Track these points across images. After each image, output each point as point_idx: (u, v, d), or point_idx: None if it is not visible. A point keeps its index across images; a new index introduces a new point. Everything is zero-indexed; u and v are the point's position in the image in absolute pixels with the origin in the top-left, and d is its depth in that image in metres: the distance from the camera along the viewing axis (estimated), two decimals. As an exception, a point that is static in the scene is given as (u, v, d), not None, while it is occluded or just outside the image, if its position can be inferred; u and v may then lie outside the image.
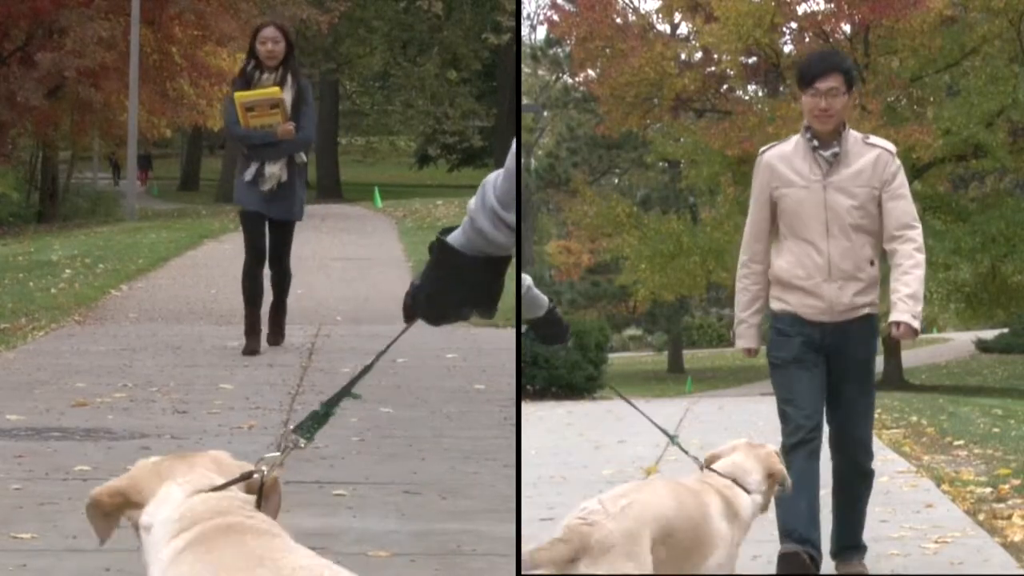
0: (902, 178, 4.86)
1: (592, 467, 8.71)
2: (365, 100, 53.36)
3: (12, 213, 34.91)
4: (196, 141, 51.81)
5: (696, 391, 24.76)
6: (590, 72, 29.36)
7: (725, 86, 29.32)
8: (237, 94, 9.05)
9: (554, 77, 42.17)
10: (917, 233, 4.82)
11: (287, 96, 9.07)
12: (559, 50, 38.32)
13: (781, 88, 28.37)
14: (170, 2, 31.71)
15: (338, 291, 14.32)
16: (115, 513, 2.42)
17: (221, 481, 2.39)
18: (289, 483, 5.56)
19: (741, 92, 29.36)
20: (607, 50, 27.73)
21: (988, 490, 7.24)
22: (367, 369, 2.75)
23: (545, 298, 3.88)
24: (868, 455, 5.03)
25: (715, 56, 28.49)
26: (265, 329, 9.79)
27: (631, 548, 3.35)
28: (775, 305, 4.99)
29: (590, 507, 3.45)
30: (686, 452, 4.14)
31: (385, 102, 50.00)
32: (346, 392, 2.71)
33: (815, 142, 4.93)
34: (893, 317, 4.69)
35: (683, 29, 30.70)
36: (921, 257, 4.79)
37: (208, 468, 2.44)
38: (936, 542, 5.86)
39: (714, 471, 3.88)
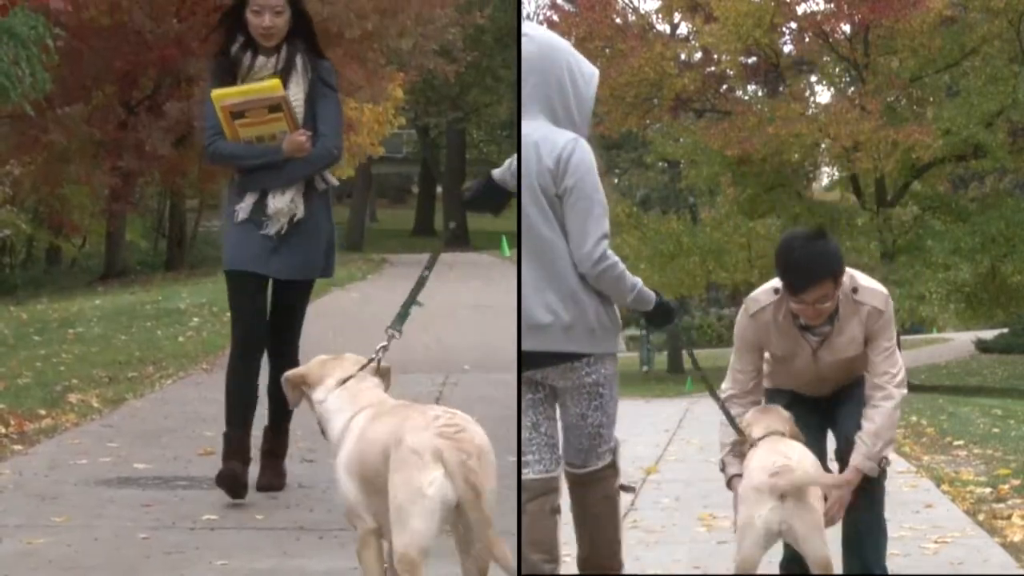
0: (890, 332, 4.61)
1: (592, 467, 8.68)
2: (492, 149, 52.36)
3: (140, 261, 35.38)
4: (325, 187, 50.98)
5: (696, 391, 24.74)
6: (590, 72, 29.33)
7: (725, 86, 29.33)
8: (216, 93, 5.76)
9: (554, 77, 42.13)
10: (899, 379, 4.59)
11: (295, 91, 5.76)
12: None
13: (781, 88, 28.38)
14: None
15: (466, 339, 13.94)
16: (297, 388, 3.99)
17: (359, 372, 3.90)
18: (287, 528, 5.58)
19: (741, 92, 29.37)
20: (607, 50, 27.74)
21: (988, 490, 7.24)
22: (424, 280, 4.26)
23: (651, 293, 4.22)
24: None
25: (715, 56, 28.51)
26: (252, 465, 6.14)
27: (817, 492, 4.19)
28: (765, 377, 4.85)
29: (777, 460, 4.18)
30: None
31: (512, 151, 49.75)
32: (414, 297, 4.21)
33: (801, 321, 4.57)
34: (851, 461, 4.49)
35: (683, 29, 30.69)
36: (896, 391, 4.55)
37: (351, 364, 3.95)
38: (936, 542, 5.86)
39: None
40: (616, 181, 40.01)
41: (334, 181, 5.99)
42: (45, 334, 14.67)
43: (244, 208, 5.83)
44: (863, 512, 4.54)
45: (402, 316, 4.16)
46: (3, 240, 27.91)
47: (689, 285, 28.04)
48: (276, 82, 5.69)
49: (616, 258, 4.11)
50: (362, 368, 3.95)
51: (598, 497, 4.19)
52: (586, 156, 4.13)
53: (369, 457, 3.65)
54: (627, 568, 5.55)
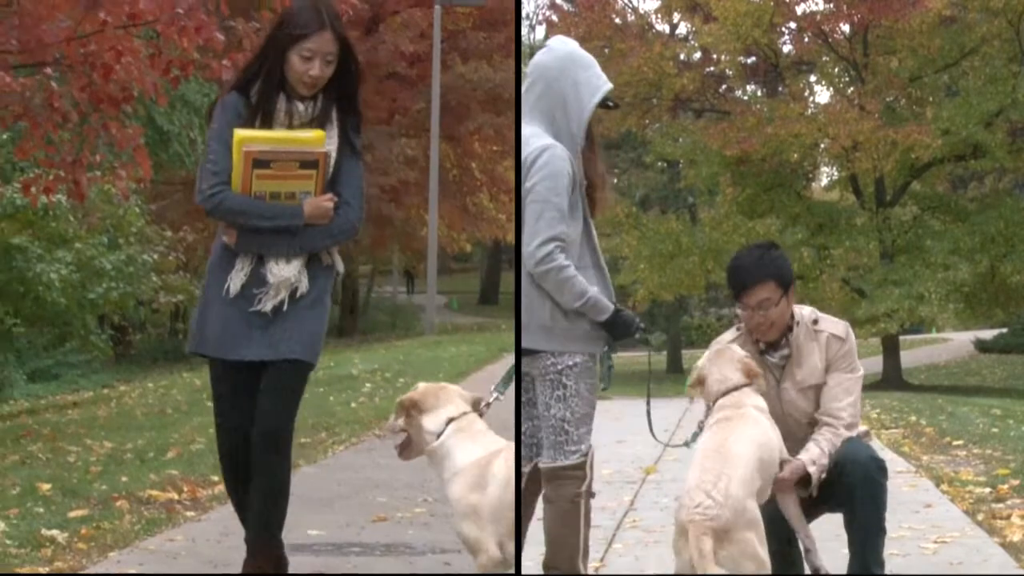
0: (852, 364, 4.59)
1: (591, 467, 8.70)
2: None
3: None
4: (495, 255, 50.01)
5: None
6: (589, 72, 29.33)
7: (724, 86, 29.34)
8: (242, 135, 4.66)
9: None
10: (848, 421, 4.54)
11: (331, 148, 4.77)
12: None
13: (780, 88, 28.38)
14: (468, 118, 32.14)
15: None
16: (406, 411, 4.42)
17: (469, 409, 4.41)
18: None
19: (740, 92, 29.37)
20: (606, 50, 27.72)
21: (987, 490, 7.24)
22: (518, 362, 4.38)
23: (609, 304, 4.35)
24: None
25: (714, 56, 28.52)
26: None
27: (746, 518, 4.10)
28: None
29: (702, 503, 4.08)
30: None
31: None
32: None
33: (762, 345, 4.64)
34: (800, 455, 4.49)
35: (682, 29, 30.71)
36: (844, 432, 4.52)
37: (460, 398, 4.44)
38: (935, 542, 5.87)
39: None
40: (615, 181, 40.01)
41: (340, 266, 4.90)
42: (218, 400, 14.66)
43: (238, 277, 4.71)
44: (867, 512, 4.54)
45: (506, 379, 4.49)
46: (176, 306, 27.97)
47: (688, 285, 28.03)
48: (320, 135, 4.70)
49: (564, 262, 4.27)
50: (475, 408, 4.45)
51: (561, 498, 4.34)
52: (552, 161, 4.32)
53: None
54: (627, 568, 5.56)
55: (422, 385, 4.50)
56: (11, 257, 17.32)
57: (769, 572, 4.07)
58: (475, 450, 4.34)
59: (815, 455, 4.48)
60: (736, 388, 4.43)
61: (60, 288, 17.22)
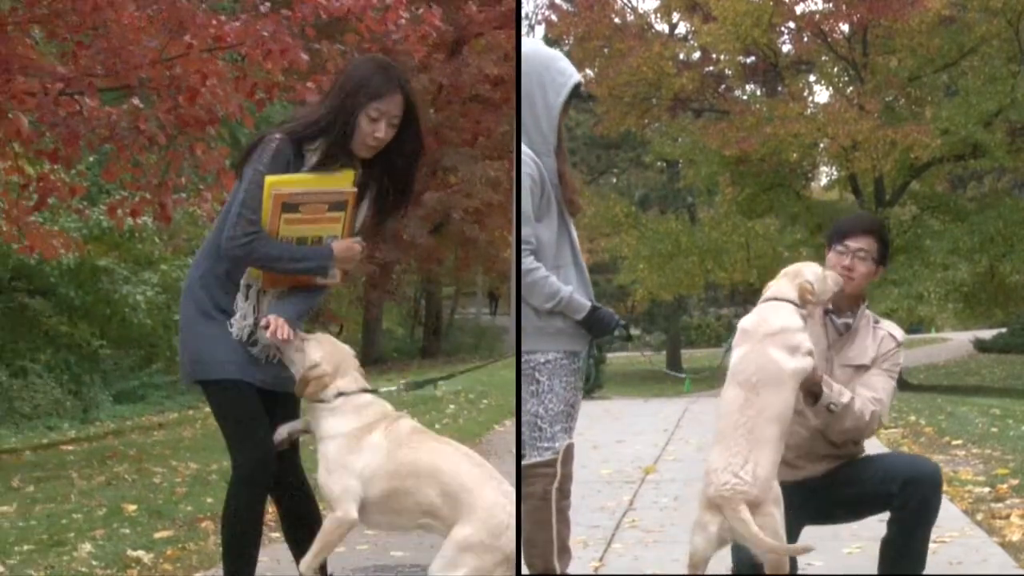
0: (894, 371, 4.64)
1: (590, 467, 8.71)
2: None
3: (396, 348, 35.61)
4: (577, 275, 51.09)
5: (694, 391, 24.75)
6: (588, 72, 29.37)
7: (723, 86, 29.34)
8: (273, 179, 4.40)
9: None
10: (882, 409, 4.55)
11: (364, 201, 4.62)
12: (557, 50, 38.39)
13: (779, 88, 28.39)
14: None
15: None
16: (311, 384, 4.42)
17: (359, 387, 4.52)
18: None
19: (739, 92, 29.38)
20: (605, 50, 27.76)
21: (986, 490, 7.25)
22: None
23: (585, 303, 4.40)
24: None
25: (713, 56, 28.53)
26: None
27: (773, 495, 4.12)
28: None
29: (730, 481, 4.08)
30: None
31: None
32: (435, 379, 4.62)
33: (830, 305, 4.63)
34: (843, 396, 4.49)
35: (681, 29, 30.71)
36: (874, 409, 4.51)
37: (357, 372, 4.56)
38: (935, 542, 5.84)
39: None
40: (615, 180, 40.02)
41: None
42: (301, 421, 14.68)
43: (239, 324, 4.52)
44: (931, 518, 4.50)
45: (421, 384, 4.72)
46: (262, 328, 28.67)
47: (687, 285, 28.04)
48: (350, 175, 4.50)
49: (532, 265, 4.43)
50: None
51: (532, 495, 4.36)
52: (522, 171, 4.33)
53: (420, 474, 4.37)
54: (626, 568, 5.57)
55: (324, 351, 4.47)
56: (97, 279, 17.60)
57: (787, 553, 4.10)
58: (355, 421, 4.44)
59: (839, 389, 4.46)
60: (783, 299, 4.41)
61: (146, 310, 17.44)
